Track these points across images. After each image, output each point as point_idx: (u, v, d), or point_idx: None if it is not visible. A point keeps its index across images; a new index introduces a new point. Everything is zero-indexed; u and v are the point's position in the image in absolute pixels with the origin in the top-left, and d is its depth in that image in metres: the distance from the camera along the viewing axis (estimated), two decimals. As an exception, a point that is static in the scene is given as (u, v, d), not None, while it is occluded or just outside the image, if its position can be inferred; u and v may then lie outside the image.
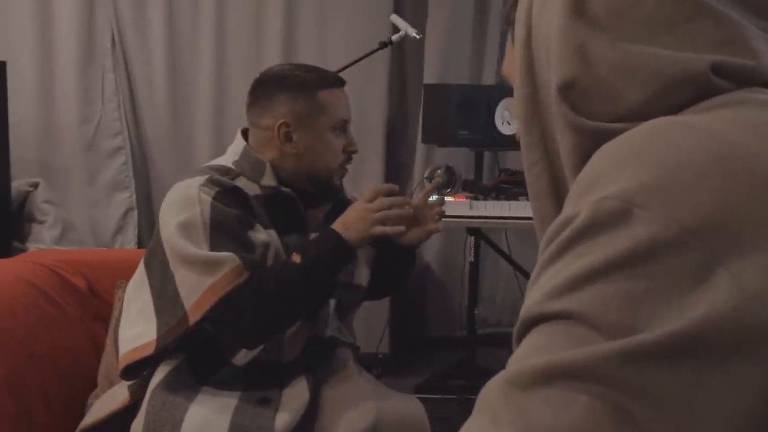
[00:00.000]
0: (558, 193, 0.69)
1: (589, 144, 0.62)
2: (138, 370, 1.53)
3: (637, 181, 0.51)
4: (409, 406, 1.57)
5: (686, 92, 0.58)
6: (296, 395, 1.47)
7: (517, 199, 2.59)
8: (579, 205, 0.54)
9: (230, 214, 1.44)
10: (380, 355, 3.13)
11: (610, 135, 0.59)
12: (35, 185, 3.01)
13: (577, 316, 0.49)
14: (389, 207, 1.49)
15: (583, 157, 0.62)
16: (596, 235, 0.51)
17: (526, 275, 3.07)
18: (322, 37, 3.42)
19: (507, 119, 2.90)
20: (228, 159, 1.58)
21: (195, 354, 1.51)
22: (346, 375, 1.56)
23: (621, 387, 0.46)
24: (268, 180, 1.54)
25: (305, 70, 1.57)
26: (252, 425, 1.40)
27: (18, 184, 2.96)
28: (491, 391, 0.51)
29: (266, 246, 1.48)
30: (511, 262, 3.01)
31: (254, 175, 1.54)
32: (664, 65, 0.59)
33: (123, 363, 1.50)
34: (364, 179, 3.50)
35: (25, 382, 1.59)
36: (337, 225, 1.50)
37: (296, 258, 1.45)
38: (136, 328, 1.49)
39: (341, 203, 1.70)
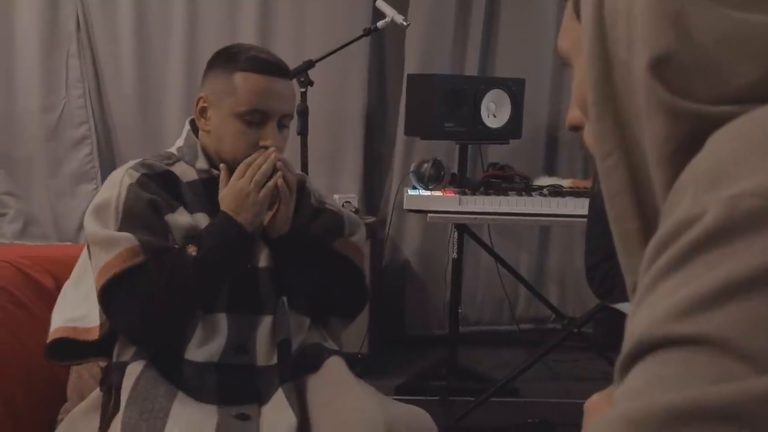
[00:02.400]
0: (637, 188, 0.60)
1: (686, 130, 0.53)
2: (69, 354, 1.49)
3: None
4: (418, 418, 1.46)
5: None
6: (279, 418, 1.37)
7: (506, 194, 2.51)
8: (702, 202, 0.44)
9: (144, 198, 1.43)
10: (360, 355, 3.03)
11: (717, 120, 0.50)
12: (-6, 176, 2.85)
13: (714, 341, 0.40)
14: (258, 170, 1.44)
15: (679, 146, 0.53)
16: (733, 240, 0.42)
17: (512, 272, 2.99)
18: (299, 24, 3.33)
19: (493, 112, 2.82)
20: (176, 145, 1.59)
21: (147, 348, 1.45)
22: (341, 387, 1.45)
23: None
24: (201, 163, 1.53)
25: (245, 50, 1.52)
26: None
27: (-24, 174, 2.81)
28: None
29: (191, 229, 1.45)
30: (498, 258, 2.93)
31: (191, 159, 1.53)
32: None
33: (57, 335, 1.46)
34: (342, 172, 3.40)
35: (-12, 390, 1.46)
36: (228, 212, 1.45)
37: (192, 250, 1.41)
38: (80, 311, 1.47)
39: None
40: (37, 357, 1.65)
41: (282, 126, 1.52)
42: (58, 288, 1.79)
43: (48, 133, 3.21)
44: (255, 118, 1.47)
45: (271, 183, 1.44)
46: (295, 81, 2.35)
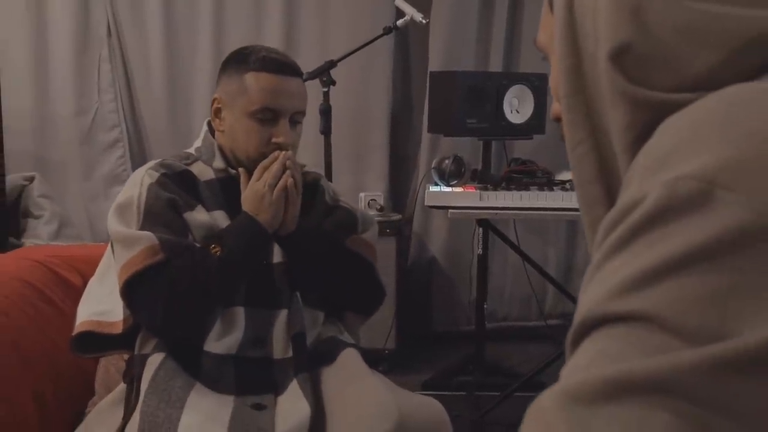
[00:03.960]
0: (606, 176, 0.61)
1: (646, 118, 0.55)
2: (94, 347, 1.53)
3: (719, 157, 0.44)
4: (431, 409, 1.48)
5: (762, 56, 0.51)
6: (294, 407, 1.40)
7: (528, 189, 2.51)
8: (647, 185, 0.46)
9: (163, 197, 1.47)
10: (386, 351, 3.06)
11: (674, 107, 0.52)
12: (30, 179, 2.94)
13: (650, 317, 0.42)
14: (275, 171, 1.49)
15: (640, 134, 0.55)
16: (671, 221, 0.44)
17: (537, 268, 2.99)
18: (323, 23, 3.36)
19: (516, 107, 2.82)
20: (195, 145, 1.62)
21: (168, 341, 1.49)
22: (356, 377, 1.48)
23: (709, 403, 0.39)
24: (219, 162, 1.57)
25: (256, 51, 1.55)
26: (252, 428, 1.35)
27: (13, 177, 2.89)
28: (547, 407, 0.43)
29: (209, 227, 1.49)
30: (521, 254, 2.93)
31: (208, 159, 1.57)
32: (737, 26, 0.52)
33: (82, 328, 1.51)
34: (368, 171, 3.43)
35: (18, 386, 1.51)
36: (249, 212, 1.49)
37: (215, 250, 1.45)
38: (104, 305, 1.52)
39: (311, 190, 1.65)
40: (65, 353, 1.70)
41: (294, 122, 1.55)
42: (86, 285, 1.85)
43: (82, 136, 3.28)
44: (267, 116, 1.51)
45: (281, 183, 1.48)
46: (317, 81, 2.38)
